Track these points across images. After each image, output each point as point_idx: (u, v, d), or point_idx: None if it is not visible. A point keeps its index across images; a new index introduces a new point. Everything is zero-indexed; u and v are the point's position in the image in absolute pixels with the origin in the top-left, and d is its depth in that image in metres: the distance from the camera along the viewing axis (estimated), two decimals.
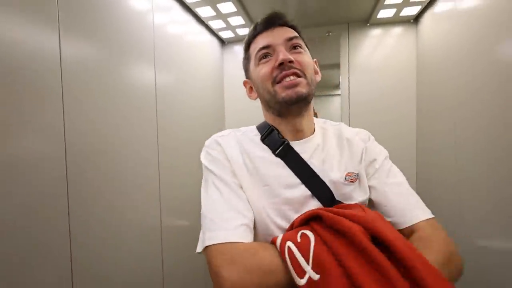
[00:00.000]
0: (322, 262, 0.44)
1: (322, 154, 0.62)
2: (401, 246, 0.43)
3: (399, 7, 1.46)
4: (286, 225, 0.56)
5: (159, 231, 1.13)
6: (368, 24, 1.71)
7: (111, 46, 0.91)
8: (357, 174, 0.61)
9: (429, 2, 1.43)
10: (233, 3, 1.35)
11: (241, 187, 0.58)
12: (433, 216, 0.57)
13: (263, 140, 0.64)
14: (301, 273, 0.45)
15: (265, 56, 0.61)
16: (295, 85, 0.57)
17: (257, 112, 1.89)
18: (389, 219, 0.57)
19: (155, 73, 1.12)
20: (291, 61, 0.58)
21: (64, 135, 0.73)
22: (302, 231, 0.50)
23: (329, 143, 0.64)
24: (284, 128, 0.63)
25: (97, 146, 0.84)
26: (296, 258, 0.46)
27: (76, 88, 0.77)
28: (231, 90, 1.94)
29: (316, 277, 0.43)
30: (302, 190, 0.58)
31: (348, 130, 0.68)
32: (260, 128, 0.67)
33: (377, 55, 1.74)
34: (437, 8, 1.39)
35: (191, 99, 1.45)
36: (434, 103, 1.42)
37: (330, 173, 0.59)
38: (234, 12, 1.45)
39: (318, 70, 0.68)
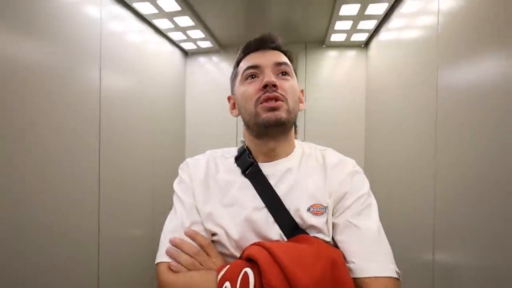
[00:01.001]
0: None
1: (291, 180, 0.60)
2: None
3: (349, 33, 1.58)
4: (246, 245, 0.55)
5: (97, 241, 1.09)
6: (324, 46, 1.81)
7: (54, 48, 0.89)
8: (326, 207, 0.58)
9: (375, 30, 1.55)
10: (190, 17, 1.39)
11: (197, 208, 0.59)
12: (395, 276, 0.51)
13: (236, 160, 0.64)
14: None
15: (252, 76, 0.61)
16: (275, 108, 0.57)
17: (218, 124, 1.94)
18: (347, 265, 0.53)
19: (100, 78, 1.11)
20: (275, 85, 0.58)
21: None
22: (246, 269, 0.48)
23: (304, 168, 0.62)
24: (258, 150, 0.63)
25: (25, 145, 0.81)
26: None
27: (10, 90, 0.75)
28: (193, 101, 1.95)
29: None
30: (265, 214, 0.57)
31: (333, 157, 0.64)
32: (239, 149, 0.67)
33: (331, 74, 1.84)
34: (381, 36, 1.51)
35: (146, 106, 1.44)
36: (380, 121, 1.53)
37: (295, 201, 0.58)
38: (192, 25, 1.48)
39: (303, 99, 0.67)
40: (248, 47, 0.65)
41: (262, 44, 0.63)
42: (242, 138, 1.89)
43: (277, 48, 0.64)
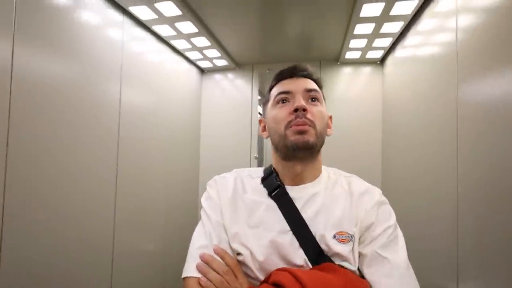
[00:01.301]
0: None
1: (317, 204, 0.61)
2: None
3: (364, 50, 1.57)
4: (270, 268, 0.56)
5: (111, 253, 1.10)
6: (338, 63, 1.81)
7: (79, 67, 0.95)
8: (352, 236, 0.57)
9: (390, 48, 1.54)
10: (207, 38, 1.43)
11: (224, 226, 0.61)
12: None
13: (263, 181, 0.66)
14: None
15: (283, 101, 0.64)
16: (304, 132, 0.59)
17: (233, 140, 1.95)
18: None
19: (120, 95, 1.16)
20: (304, 109, 0.60)
21: (7, 143, 0.74)
22: None
23: (330, 194, 0.63)
24: (286, 172, 0.64)
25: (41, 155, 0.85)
26: None
27: (27, 104, 0.80)
28: (208, 117, 1.98)
29: None
30: (290, 238, 0.58)
31: (359, 185, 0.65)
32: (265, 170, 0.69)
33: (346, 91, 1.83)
34: (397, 53, 1.49)
35: (162, 122, 1.48)
36: (397, 138, 1.48)
37: (321, 226, 0.58)
38: (209, 45, 1.53)
39: (331, 125, 0.70)
40: (281, 74, 0.68)
41: (294, 72, 0.67)
42: (255, 155, 1.90)
43: (308, 76, 0.67)
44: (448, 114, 0.93)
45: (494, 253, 0.69)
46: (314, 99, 0.64)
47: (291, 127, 0.60)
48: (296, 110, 0.60)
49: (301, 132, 0.59)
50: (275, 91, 0.67)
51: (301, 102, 0.61)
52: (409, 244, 1.21)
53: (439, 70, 1.02)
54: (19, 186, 0.78)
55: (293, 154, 0.61)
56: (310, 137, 0.59)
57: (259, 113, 1.95)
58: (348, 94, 1.82)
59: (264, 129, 0.70)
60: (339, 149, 1.77)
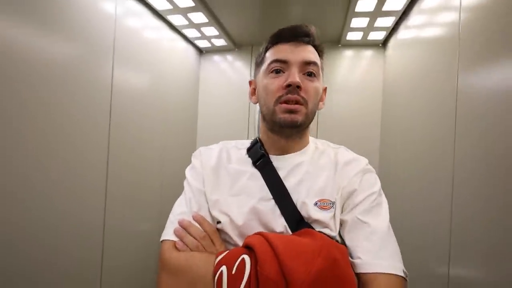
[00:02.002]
0: None
1: (301, 174, 0.61)
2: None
3: (366, 31, 1.53)
4: (249, 233, 0.56)
5: (101, 233, 1.10)
6: (339, 45, 1.77)
7: (68, 42, 0.92)
8: (333, 203, 0.57)
9: (393, 28, 1.50)
10: (204, 14, 1.39)
11: (205, 193, 0.61)
12: (401, 275, 0.50)
13: (248, 151, 0.66)
14: None
15: (277, 70, 0.60)
16: (293, 111, 0.57)
17: (230, 123, 1.93)
18: (352, 261, 0.52)
19: (113, 74, 1.13)
20: (298, 86, 0.57)
21: None
22: (243, 256, 0.49)
23: (315, 164, 0.62)
24: (270, 143, 0.64)
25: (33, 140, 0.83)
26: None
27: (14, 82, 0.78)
28: (206, 99, 1.96)
29: None
30: (271, 205, 0.58)
31: (345, 155, 0.64)
32: (252, 141, 0.69)
33: (347, 75, 1.79)
34: (400, 34, 1.45)
35: (158, 102, 1.46)
36: (396, 124, 1.46)
37: (303, 195, 0.58)
38: (206, 22, 1.49)
39: (324, 98, 0.66)
40: (279, 36, 0.61)
41: (295, 36, 0.60)
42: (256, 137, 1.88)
43: (310, 42, 0.61)
44: (447, 101, 0.90)
45: (486, 238, 0.69)
46: (311, 73, 0.60)
47: (281, 103, 0.58)
48: (289, 85, 0.57)
49: (291, 111, 0.57)
50: (270, 56, 0.61)
51: (295, 77, 0.57)
52: (405, 227, 1.22)
53: (442, 54, 0.99)
54: (5, 171, 0.76)
55: (279, 130, 0.60)
56: (300, 116, 0.58)
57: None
58: (349, 78, 1.78)
59: (253, 93, 0.67)
60: (337, 133, 1.75)
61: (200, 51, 1.92)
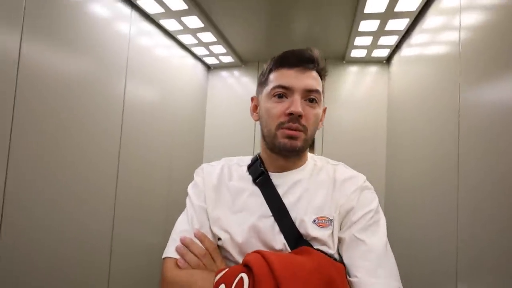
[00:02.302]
0: None
1: (299, 191, 0.61)
2: None
3: (369, 48, 1.56)
4: (249, 250, 0.56)
5: (109, 245, 1.12)
6: (344, 62, 1.81)
7: (85, 59, 0.98)
8: (331, 221, 0.58)
9: (396, 46, 1.53)
10: (212, 33, 1.46)
11: (206, 212, 0.62)
12: None
13: (248, 169, 0.66)
14: None
15: (280, 95, 0.60)
16: (294, 137, 0.59)
17: (237, 138, 1.96)
18: (349, 279, 0.53)
19: (125, 89, 1.19)
20: (300, 115, 0.58)
21: (10, 136, 0.77)
22: (242, 274, 0.49)
23: (314, 181, 0.63)
24: (270, 161, 0.65)
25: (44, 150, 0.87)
26: None
27: (32, 97, 0.83)
28: (213, 114, 2.00)
29: None
30: (271, 223, 0.59)
31: (343, 172, 0.65)
32: (253, 158, 0.70)
33: (352, 90, 1.82)
34: (403, 52, 1.48)
35: (167, 117, 1.51)
36: (401, 139, 1.47)
37: (301, 212, 0.58)
38: (214, 41, 1.55)
39: (324, 118, 0.67)
40: (284, 60, 0.62)
41: (299, 61, 0.61)
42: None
43: (314, 68, 0.62)
44: (450, 116, 0.92)
45: (493, 255, 0.68)
46: (312, 100, 0.61)
47: (282, 128, 0.59)
48: (291, 113, 0.58)
49: (291, 137, 0.59)
50: (274, 79, 0.62)
51: (297, 107, 0.58)
52: (409, 242, 1.20)
53: (443, 71, 1.01)
54: (21, 179, 0.80)
55: (279, 152, 0.61)
56: (299, 142, 0.59)
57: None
58: (354, 94, 1.81)
59: (255, 109, 0.68)
60: (344, 149, 1.76)
61: (208, 67, 1.99)
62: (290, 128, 0.58)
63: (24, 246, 0.81)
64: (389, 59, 1.71)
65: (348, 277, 0.53)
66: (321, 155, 1.82)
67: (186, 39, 1.54)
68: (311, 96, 0.60)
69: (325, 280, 0.46)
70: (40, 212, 0.85)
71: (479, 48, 0.79)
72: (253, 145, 1.91)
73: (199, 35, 1.48)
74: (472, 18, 0.83)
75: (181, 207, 0.67)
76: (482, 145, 0.75)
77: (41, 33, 0.84)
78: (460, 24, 0.89)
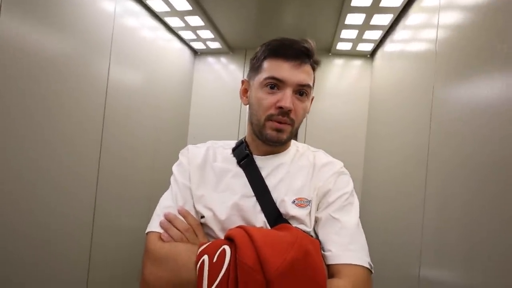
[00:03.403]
0: None
1: (281, 174, 0.64)
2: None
3: (355, 42, 1.60)
4: (231, 227, 0.58)
5: (90, 233, 1.12)
6: (330, 54, 1.84)
7: (67, 39, 0.95)
8: (309, 201, 0.61)
9: (380, 41, 1.57)
10: (200, 17, 1.44)
11: (190, 189, 0.64)
12: (367, 267, 0.54)
13: (233, 151, 0.69)
14: None
15: (272, 86, 0.61)
16: (281, 130, 0.61)
17: (222, 125, 1.96)
18: (323, 253, 0.56)
19: (109, 71, 1.16)
20: (290, 110, 0.60)
21: None
22: (224, 246, 0.52)
23: (295, 166, 0.66)
24: (255, 145, 0.68)
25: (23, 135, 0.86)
26: (202, 277, 0.49)
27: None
28: (199, 101, 1.99)
29: None
30: (253, 202, 0.62)
31: (322, 158, 0.68)
32: (238, 142, 0.72)
33: (337, 83, 1.87)
34: (386, 47, 1.53)
35: (151, 101, 1.49)
36: (380, 133, 1.54)
37: (282, 193, 0.62)
38: (202, 26, 1.53)
39: (310, 108, 0.69)
40: (281, 51, 0.61)
41: (295, 54, 0.61)
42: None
43: (308, 62, 0.63)
44: (424, 112, 0.97)
45: (455, 241, 0.74)
46: (303, 93, 0.63)
47: (271, 120, 0.61)
48: (281, 107, 0.60)
49: (279, 130, 0.61)
50: (268, 69, 0.62)
51: (287, 102, 0.59)
52: (380, 227, 1.27)
53: (420, 68, 1.06)
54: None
55: (265, 141, 0.64)
56: (285, 135, 0.62)
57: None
58: (338, 86, 1.86)
59: (245, 93, 0.70)
60: (326, 138, 1.82)
61: (195, 52, 1.96)
62: (278, 121, 0.61)
63: (3, 225, 0.80)
64: (373, 53, 1.75)
65: (322, 251, 0.57)
66: (304, 143, 1.87)
67: (173, 21, 1.51)
68: (302, 90, 0.62)
69: (302, 252, 0.50)
70: (16, 199, 0.83)
71: (454, 47, 0.83)
72: (237, 132, 1.93)
73: (187, 18, 1.46)
74: (449, 18, 0.87)
75: (164, 191, 0.68)
76: (450, 141, 0.80)
77: (18, 8, 0.81)
78: (438, 23, 0.94)
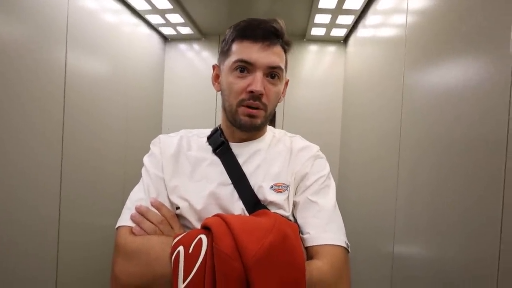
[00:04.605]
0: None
1: (258, 160, 0.63)
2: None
3: (328, 27, 1.60)
4: (207, 216, 0.56)
5: (56, 229, 1.05)
6: (304, 40, 1.83)
7: (14, 21, 0.84)
8: (287, 186, 0.61)
9: (353, 26, 1.58)
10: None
11: (164, 180, 0.61)
12: (344, 246, 0.55)
13: (208, 139, 0.66)
14: (176, 285, 0.46)
15: (241, 69, 0.59)
16: (254, 116, 0.59)
17: (196, 114, 1.91)
18: (302, 236, 0.56)
19: (66, 57, 1.06)
20: (261, 94, 0.58)
21: None
22: (201, 235, 0.50)
23: (272, 151, 0.65)
24: (230, 132, 0.66)
25: None
26: (177, 269, 0.47)
27: None
28: (171, 89, 1.91)
29: None
30: (230, 190, 0.60)
31: (299, 143, 0.68)
32: (213, 130, 0.69)
33: (312, 69, 1.87)
34: (359, 32, 1.54)
35: (119, 91, 1.40)
36: (354, 118, 1.57)
37: (260, 179, 0.61)
38: (171, 9, 1.45)
39: (285, 92, 0.68)
40: (247, 31, 0.59)
41: (264, 35, 0.58)
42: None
43: (278, 42, 0.60)
44: (395, 96, 0.99)
45: (426, 219, 0.78)
46: (274, 76, 0.60)
47: (243, 106, 0.59)
48: (251, 91, 0.58)
49: (251, 116, 0.59)
50: (236, 51, 0.59)
51: (258, 85, 0.57)
52: (356, 208, 1.32)
53: (391, 53, 1.07)
54: None
55: (239, 127, 0.62)
56: (259, 120, 0.60)
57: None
58: (313, 73, 1.86)
59: (217, 79, 0.67)
60: (303, 124, 1.83)
61: (165, 38, 1.86)
62: (250, 106, 0.59)
63: None
64: (346, 39, 1.77)
65: (301, 234, 0.57)
66: (282, 129, 1.87)
67: (138, 3, 1.41)
68: (273, 72, 0.60)
69: (281, 236, 0.49)
70: None
71: (422, 32, 0.85)
72: (214, 120, 1.88)
73: (154, 1, 1.37)
74: (418, 2, 0.89)
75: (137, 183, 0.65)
76: (420, 125, 0.83)
77: None
78: (407, 8, 0.95)
